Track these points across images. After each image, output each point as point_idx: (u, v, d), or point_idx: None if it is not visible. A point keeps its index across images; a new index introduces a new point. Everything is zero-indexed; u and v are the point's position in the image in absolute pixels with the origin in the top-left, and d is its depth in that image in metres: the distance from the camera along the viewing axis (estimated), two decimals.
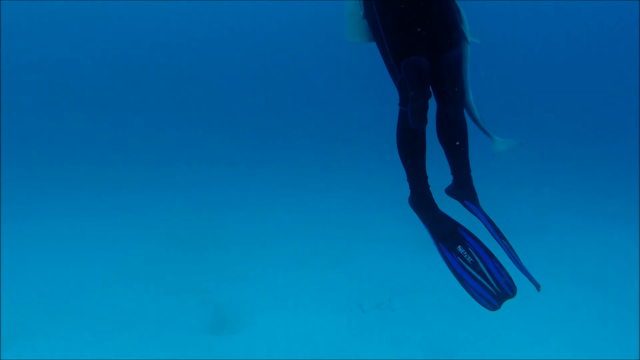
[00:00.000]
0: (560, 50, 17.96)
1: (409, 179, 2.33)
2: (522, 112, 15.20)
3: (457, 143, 2.37)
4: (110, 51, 17.89)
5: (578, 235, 6.39)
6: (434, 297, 4.90)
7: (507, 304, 2.13)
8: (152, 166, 10.38)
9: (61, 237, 6.58)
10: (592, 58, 17.65)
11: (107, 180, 9.39)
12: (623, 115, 14.01)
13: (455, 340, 4.38)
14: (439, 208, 2.34)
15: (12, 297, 4.98)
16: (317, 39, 16.33)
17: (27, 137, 13.07)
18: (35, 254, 6.05)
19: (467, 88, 2.41)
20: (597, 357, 4.17)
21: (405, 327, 4.52)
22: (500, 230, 2.32)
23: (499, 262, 2.19)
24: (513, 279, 2.17)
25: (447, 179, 2.48)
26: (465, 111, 2.44)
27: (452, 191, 2.50)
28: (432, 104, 2.32)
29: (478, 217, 2.38)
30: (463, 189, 2.44)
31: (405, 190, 2.38)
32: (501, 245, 2.26)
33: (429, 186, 2.33)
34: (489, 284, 2.15)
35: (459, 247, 2.21)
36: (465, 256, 2.19)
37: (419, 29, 2.19)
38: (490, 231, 2.32)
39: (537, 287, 2.10)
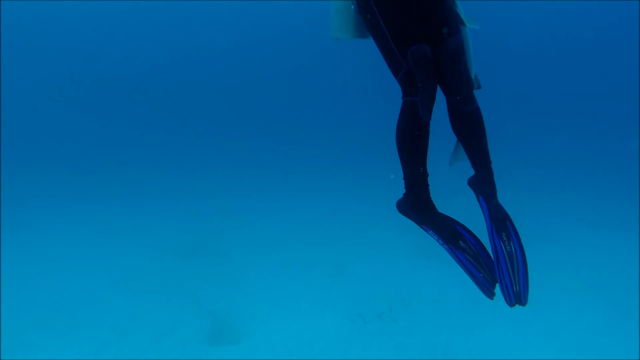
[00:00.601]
0: (559, 50, 17.91)
1: (407, 178, 2.17)
2: (521, 114, 15.15)
3: (472, 137, 2.26)
4: (111, 58, 17.86)
5: (578, 242, 6.34)
6: (436, 307, 4.84)
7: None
8: (150, 173, 10.33)
9: (59, 246, 6.53)
10: (592, 58, 17.60)
11: (104, 188, 9.35)
12: (623, 119, 13.96)
13: (457, 350, 4.33)
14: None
15: (9, 307, 4.92)
16: (317, 42, 16.30)
17: (25, 141, 13.02)
18: (32, 262, 5.99)
19: (472, 76, 2.28)
20: None
21: (407, 337, 4.46)
22: (505, 234, 2.23)
23: (488, 253, 2.19)
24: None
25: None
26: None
27: (471, 183, 2.40)
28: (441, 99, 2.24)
29: (484, 216, 2.30)
30: (480, 184, 2.34)
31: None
32: (494, 251, 2.18)
33: (429, 185, 2.20)
34: (486, 272, 2.17)
35: (461, 242, 2.19)
36: (467, 250, 2.18)
37: (418, 17, 2.10)
38: (488, 233, 2.23)
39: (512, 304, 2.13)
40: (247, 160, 11.38)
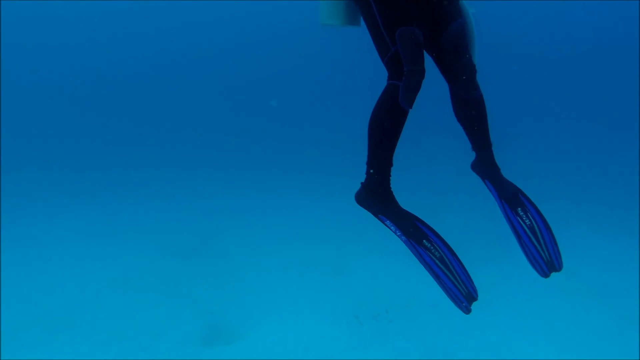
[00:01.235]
0: (559, 51, 17.90)
1: (372, 164, 2.04)
2: (520, 114, 15.13)
3: (475, 122, 2.21)
4: (110, 57, 17.85)
5: (577, 244, 6.30)
6: (433, 309, 4.79)
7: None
8: (148, 172, 10.28)
9: (54, 244, 6.47)
10: (592, 58, 17.59)
11: (101, 186, 9.29)
12: (623, 119, 13.94)
13: (454, 353, 4.29)
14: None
15: (4, 306, 4.88)
16: (318, 41, 16.26)
17: (23, 139, 12.97)
18: (27, 261, 5.95)
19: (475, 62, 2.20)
20: None
21: (403, 339, 4.42)
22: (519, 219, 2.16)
23: (460, 260, 2.03)
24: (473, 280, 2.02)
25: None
26: None
27: (475, 167, 2.35)
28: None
29: (495, 200, 2.23)
30: (484, 167, 2.28)
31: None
32: (515, 233, 2.11)
33: (391, 176, 2.07)
34: (458, 282, 1.99)
35: (424, 241, 2.02)
36: (432, 250, 2.01)
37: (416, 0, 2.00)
38: (505, 217, 2.15)
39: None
40: (246, 159, 11.33)
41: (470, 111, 2.19)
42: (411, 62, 1.91)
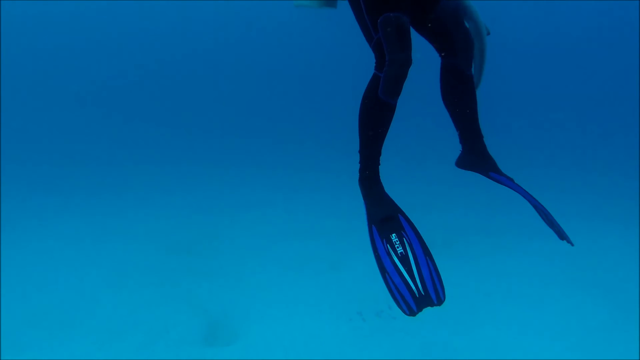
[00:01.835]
0: (558, 51, 17.88)
1: (361, 152, 2.01)
2: (519, 113, 15.10)
3: (466, 105, 2.09)
4: (109, 54, 17.86)
5: (579, 239, 6.25)
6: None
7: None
8: (144, 169, 10.23)
9: (49, 242, 6.43)
10: (592, 58, 17.57)
11: (96, 183, 9.25)
12: (623, 116, 13.92)
13: (457, 349, 4.24)
14: (385, 191, 2.04)
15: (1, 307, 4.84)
16: (320, 39, 16.25)
17: (13, 136, 12.92)
18: (21, 260, 5.89)
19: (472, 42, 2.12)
20: None
21: (406, 335, 4.37)
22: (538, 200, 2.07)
23: (434, 264, 1.89)
24: (445, 288, 1.87)
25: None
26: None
27: (467, 163, 2.22)
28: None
29: (510, 187, 2.12)
30: (482, 159, 2.18)
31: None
32: (541, 214, 2.04)
33: (380, 164, 2.03)
34: (414, 283, 1.85)
35: (394, 235, 1.91)
36: (396, 246, 1.89)
37: None
38: (527, 199, 2.06)
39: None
40: (242, 157, 11.30)
41: (462, 89, 2.09)
42: (392, 51, 1.77)
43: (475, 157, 2.20)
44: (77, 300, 4.97)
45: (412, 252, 1.89)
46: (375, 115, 1.92)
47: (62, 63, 17.49)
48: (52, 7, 16.72)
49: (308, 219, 7.04)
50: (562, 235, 2.10)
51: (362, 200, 2.06)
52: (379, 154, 2.01)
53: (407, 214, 2.00)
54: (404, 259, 1.87)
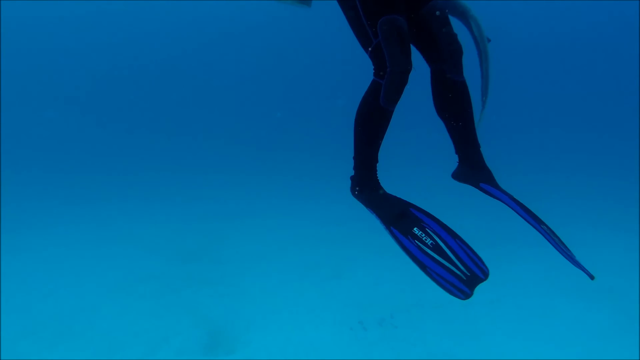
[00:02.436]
0: (558, 51, 17.85)
1: (358, 159, 1.98)
2: (520, 114, 15.07)
3: (459, 114, 2.03)
4: (112, 59, 17.85)
5: (581, 245, 6.21)
6: (438, 312, 4.70)
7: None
8: (147, 176, 10.21)
9: (51, 251, 6.40)
10: (592, 58, 17.53)
11: (99, 190, 9.23)
12: (623, 119, 13.88)
13: (460, 357, 4.20)
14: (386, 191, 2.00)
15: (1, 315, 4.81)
16: (323, 45, 16.23)
17: (16, 140, 12.92)
18: (23, 267, 5.86)
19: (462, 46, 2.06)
20: None
21: (408, 344, 4.33)
22: (533, 212, 2.01)
23: (463, 241, 1.87)
24: (483, 259, 1.84)
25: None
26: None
27: (461, 175, 2.16)
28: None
29: (501, 201, 2.05)
30: (475, 170, 2.11)
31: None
32: (538, 231, 1.96)
33: (377, 170, 2.01)
34: (456, 267, 1.82)
35: (415, 228, 1.88)
36: (423, 238, 1.86)
37: None
38: (520, 214, 1.99)
39: (590, 276, 1.88)
40: (245, 164, 11.27)
41: (455, 96, 2.04)
42: (394, 63, 1.76)
43: (469, 168, 2.15)
44: (77, 309, 4.94)
45: (440, 239, 1.87)
46: (375, 121, 1.90)
47: (66, 66, 17.46)
48: (52, 7, 16.69)
49: (310, 226, 7.01)
50: (573, 261, 2.02)
51: (366, 209, 2.01)
52: (376, 160, 1.99)
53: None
54: (436, 248, 1.85)
